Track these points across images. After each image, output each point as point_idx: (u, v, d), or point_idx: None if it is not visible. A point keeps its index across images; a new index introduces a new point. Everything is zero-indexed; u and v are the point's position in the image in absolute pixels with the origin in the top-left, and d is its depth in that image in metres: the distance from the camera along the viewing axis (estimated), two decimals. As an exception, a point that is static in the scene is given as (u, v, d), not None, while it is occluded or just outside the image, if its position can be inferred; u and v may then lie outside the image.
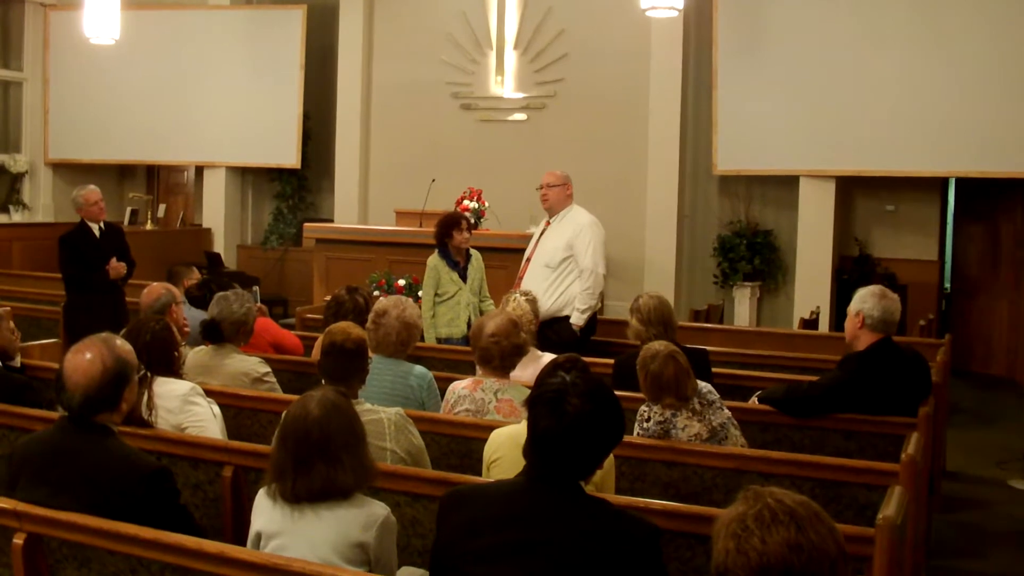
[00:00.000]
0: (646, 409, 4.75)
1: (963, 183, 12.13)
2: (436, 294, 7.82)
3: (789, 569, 2.11)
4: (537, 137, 13.25)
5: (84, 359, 3.51)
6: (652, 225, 12.64)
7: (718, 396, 4.86)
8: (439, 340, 7.69)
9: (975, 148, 10.65)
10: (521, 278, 7.89)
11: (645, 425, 4.70)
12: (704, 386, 4.84)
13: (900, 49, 10.93)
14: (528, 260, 7.97)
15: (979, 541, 6.55)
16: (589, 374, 2.98)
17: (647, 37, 12.44)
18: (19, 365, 5.81)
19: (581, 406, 2.82)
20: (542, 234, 7.95)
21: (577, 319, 7.57)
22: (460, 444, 4.80)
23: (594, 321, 7.81)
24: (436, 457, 4.68)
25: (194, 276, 7.73)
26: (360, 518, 3.22)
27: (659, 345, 4.82)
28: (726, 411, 4.81)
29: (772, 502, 2.17)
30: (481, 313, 7.53)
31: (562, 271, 7.67)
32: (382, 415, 4.27)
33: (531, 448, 2.90)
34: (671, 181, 12.56)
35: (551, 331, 7.34)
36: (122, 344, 3.65)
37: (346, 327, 4.49)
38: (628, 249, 12.44)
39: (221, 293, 5.78)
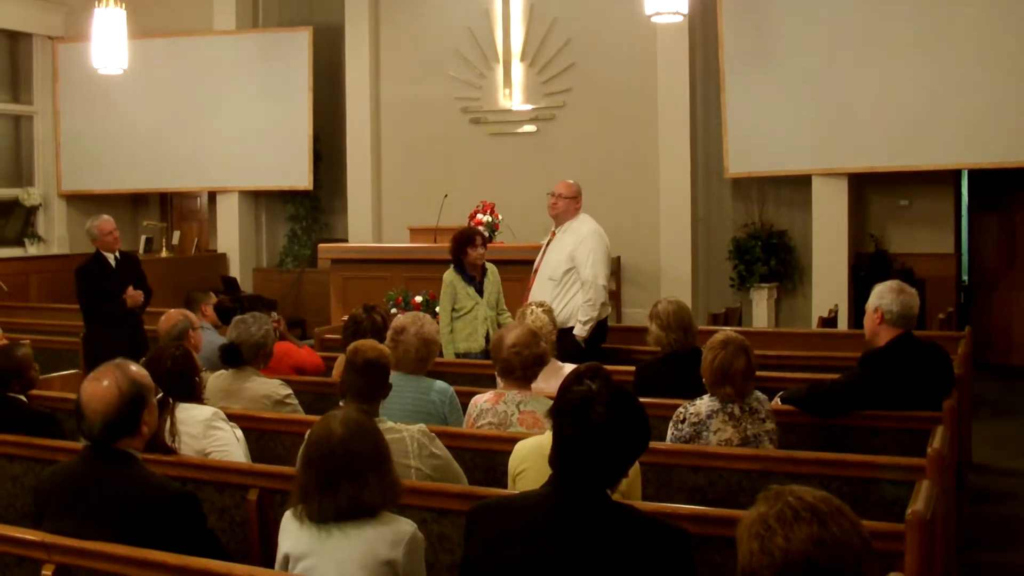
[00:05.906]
0: (683, 410, 4.73)
1: (976, 175, 12.05)
2: (453, 309, 7.83)
3: (814, 565, 2.11)
4: (548, 148, 13.24)
5: (100, 386, 3.53)
6: (666, 230, 12.61)
7: (767, 409, 4.79)
8: (458, 355, 7.70)
9: (986, 139, 10.59)
10: (529, 291, 7.88)
11: (680, 426, 4.68)
12: (759, 395, 4.79)
13: (907, 43, 10.88)
14: (535, 272, 7.96)
15: (1010, 533, 6.49)
16: (612, 382, 2.97)
17: (653, 43, 12.44)
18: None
19: (606, 414, 2.82)
20: (547, 245, 7.94)
21: (579, 331, 7.54)
22: (485, 458, 4.78)
23: (603, 330, 7.77)
24: (460, 472, 4.66)
25: (212, 301, 7.75)
26: (388, 535, 3.21)
27: (732, 334, 4.77)
28: (769, 424, 4.71)
29: (792, 500, 2.17)
30: (499, 327, 7.52)
31: (565, 283, 7.66)
32: (404, 433, 4.26)
33: (557, 457, 2.89)
34: (683, 186, 12.54)
35: (556, 343, 7.29)
36: (137, 368, 3.66)
37: (367, 345, 4.48)
38: (643, 255, 12.46)
39: (239, 316, 5.79)
